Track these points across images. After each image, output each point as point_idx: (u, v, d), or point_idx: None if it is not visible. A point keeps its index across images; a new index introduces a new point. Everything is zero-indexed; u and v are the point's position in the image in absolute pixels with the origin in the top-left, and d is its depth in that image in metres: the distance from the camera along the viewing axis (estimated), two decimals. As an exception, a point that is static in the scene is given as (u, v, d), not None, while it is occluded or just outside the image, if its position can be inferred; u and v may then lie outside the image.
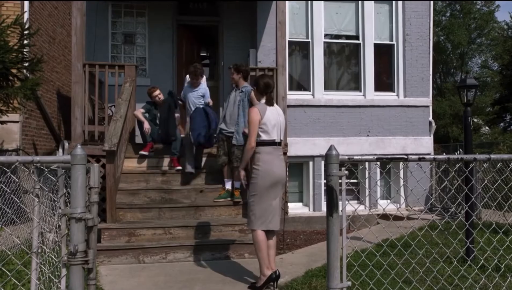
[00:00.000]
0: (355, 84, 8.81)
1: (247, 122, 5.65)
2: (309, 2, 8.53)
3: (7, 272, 3.14)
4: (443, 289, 3.58)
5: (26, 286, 3.18)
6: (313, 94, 8.46)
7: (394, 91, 8.85)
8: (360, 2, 8.69)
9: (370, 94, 8.65)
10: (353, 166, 7.57)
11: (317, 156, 8.21)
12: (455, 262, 3.61)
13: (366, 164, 8.13)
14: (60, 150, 4.84)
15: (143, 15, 8.84)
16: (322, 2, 8.53)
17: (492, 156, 2.38)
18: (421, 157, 2.28)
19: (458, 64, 34.16)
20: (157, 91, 6.63)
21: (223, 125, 5.73)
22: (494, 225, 3.26)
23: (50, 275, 2.66)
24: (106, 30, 8.68)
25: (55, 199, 2.83)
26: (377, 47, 8.78)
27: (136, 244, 4.99)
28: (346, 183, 2.23)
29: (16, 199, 5.19)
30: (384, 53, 8.92)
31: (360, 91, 8.70)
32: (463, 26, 31.83)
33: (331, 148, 2.19)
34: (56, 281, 2.57)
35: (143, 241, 5.07)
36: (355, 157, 2.22)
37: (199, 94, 6.24)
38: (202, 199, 5.82)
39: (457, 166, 6.35)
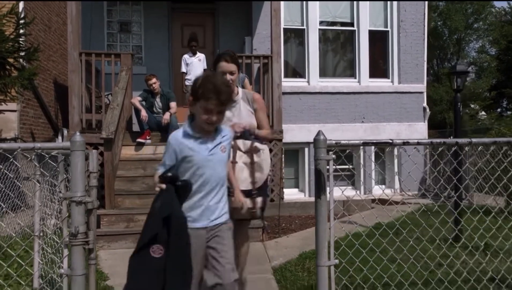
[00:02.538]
0: (350, 71, 8.88)
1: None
2: (304, -11, 8.55)
3: (12, 253, 3.26)
4: (426, 266, 3.72)
5: (30, 269, 3.30)
6: (308, 81, 8.54)
7: (388, 78, 8.94)
8: (355, -11, 8.72)
9: (365, 81, 8.73)
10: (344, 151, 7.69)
11: (312, 142, 8.31)
12: (438, 241, 3.75)
13: (361, 149, 8.25)
14: (60, 137, 4.93)
15: (139, 3, 8.85)
16: (317, -11, 8.56)
17: (474, 140, 2.49)
18: (405, 141, 2.38)
19: (455, 50, 34.12)
20: (153, 80, 6.70)
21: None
22: (480, 209, 3.39)
23: (53, 256, 2.77)
24: (101, 18, 8.70)
25: (55, 185, 2.94)
26: (372, 34, 8.84)
27: (134, 229, 5.11)
28: (340, 168, 2.34)
29: (18, 184, 5.30)
30: (378, 40, 8.98)
31: (355, 78, 8.78)
32: (460, 11, 31.75)
33: (319, 133, 2.30)
34: (59, 260, 2.69)
35: (141, 227, 5.18)
36: (342, 142, 2.33)
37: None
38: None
39: (453, 149, 6.46)
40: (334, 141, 2.30)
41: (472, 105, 30.68)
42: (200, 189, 2.25)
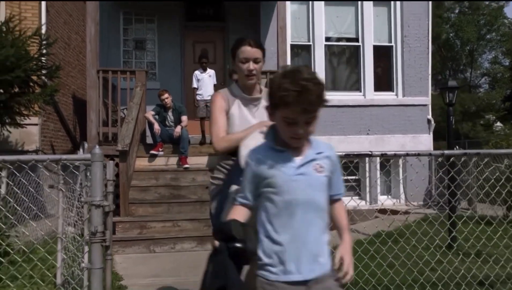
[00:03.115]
0: (355, 84, 9.18)
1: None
2: (310, 7, 8.92)
3: (33, 258, 3.62)
4: (421, 272, 3.97)
5: (52, 271, 3.66)
6: (314, 95, 8.85)
7: (393, 91, 9.21)
8: (359, 6, 9.06)
9: (369, 94, 9.02)
10: (352, 162, 7.93)
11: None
12: (432, 248, 4.00)
13: (367, 159, 8.50)
14: (81, 150, 5.36)
15: (153, 21, 9.33)
16: (323, 6, 8.92)
17: (468, 151, 2.78)
18: (383, 153, 2.69)
19: (468, 61, 34.15)
20: (166, 95, 7.10)
21: (226, 126, 6.15)
22: (476, 217, 3.65)
23: (75, 251, 3.12)
24: (118, 36, 9.19)
25: (75, 191, 3.30)
26: (376, 48, 9.14)
27: (147, 236, 5.47)
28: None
29: (38, 196, 5.71)
30: (383, 54, 9.28)
31: (360, 91, 9.08)
32: (472, 22, 31.82)
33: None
34: (80, 256, 3.03)
35: (154, 233, 5.54)
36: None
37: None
38: (208, 195, 6.25)
39: (462, 160, 6.69)
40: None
41: (487, 116, 30.60)
42: (286, 225, 1.63)
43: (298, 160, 1.66)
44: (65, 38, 10.35)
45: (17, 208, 2.89)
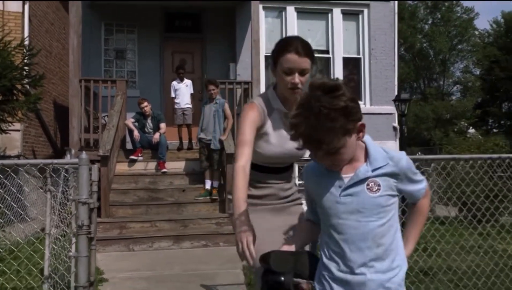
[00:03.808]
0: (326, 94, 9.73)
1: (222, 130, 6.57)
2: (283, 20, 9.46)
3: (19, 255, 3.99)
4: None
5: (38, 266, 4.04)
6: (287, 104, 9.37)
7: (361, 100, 9.79)
8: (330, 20, 9.64)
9: (339, 103, 9.57)
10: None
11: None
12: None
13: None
14: (68, 155, 5.74)
15: (133, 32, 9.71)
16: (296, 20, 9.47)
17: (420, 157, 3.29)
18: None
19: (441, 70, 35.44)
20: (145, 103, 7.51)
21: (202, 135, 6.61)
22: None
23: (64, 242, 3.51)
24: (99, 46, 9.54)
25: (57, 193, 3.69)
26: (346, 60, 9.73)
27: (126, 235, 5.85)
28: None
29: (22, 198, 6.02)
30: (352, 65, 9.87)
31: (330, 100, 9.62)
32: (444, 33, 33.11)
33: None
34: (68, 247, 3.43)
35: (133, 233, 5.92)
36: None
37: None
38: (185, 197, 6.69)
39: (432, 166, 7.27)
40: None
41: (462, 123, 31.79)
42: (335, 251, 1.47)
43: (347, 178, 1.46)
44: (46, 46, 10.62)
45: (6, 211, 3.27)
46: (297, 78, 1.90)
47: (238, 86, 8.01)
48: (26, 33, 8.85)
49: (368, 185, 1.45)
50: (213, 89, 6.53)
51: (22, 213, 4.02)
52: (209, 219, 6.23)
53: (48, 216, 3.52)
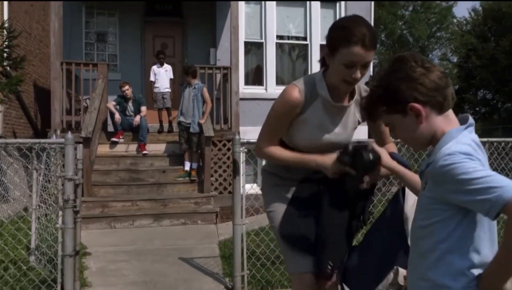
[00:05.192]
0: (303, 80, 10.05)
1: (201, 114, 6.84)
2: (263, 7, 9.67)
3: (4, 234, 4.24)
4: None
5: (26, 239, 4.29)
6: (266, 89, 9.66)
7: (337, 86, 10.14)
8: (308, 8, 9.89)
9: (316, 88, 9.90)
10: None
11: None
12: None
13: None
14: (54, 136, 5.94)
15: (114, 15, 9.79)
16: (275, 7, 9.69)
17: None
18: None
19: (420, 57, 36.01)
20: (126, 86, 7.69)
21: (182, 118, 6.87)
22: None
23: (49, 215, 3.78)
24: (80, 29, 9.60)
25: (48, 170, 3.93)
26: (323, 47, 10.02)
27: (108, 214, 6.11)
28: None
29: (4, 179, 6.22)
30: (329, 52, 10.17)
31: (308, 86, 9.95)
32: (424, 20, 33.62)
33: (235, 134, 3.38)
34: (54, 218, 3.69)
35: (114, 211, 6.19)
36: (251, 140, 3.42)
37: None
38: (165, 178, 6.96)
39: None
40: (245, 140, 3.39)
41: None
42: None
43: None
44: (26, 28, 10.60)
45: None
46: (358, 72, 1.74)
47: (217, 71, 8.24)
48: (5, 15, 8.86)
49: (422, 178, 1.36)
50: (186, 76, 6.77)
51: (5, 194, 4.25)
52: (188, 198, 6.53)
53: (35, 192, 3.77)
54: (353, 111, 1.94)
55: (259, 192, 2.28)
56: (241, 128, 8.43)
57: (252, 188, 3.85)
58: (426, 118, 1.31)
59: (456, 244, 1.23)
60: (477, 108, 33.41)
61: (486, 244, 1.22)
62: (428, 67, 1.32)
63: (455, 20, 35.42)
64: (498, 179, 1.11)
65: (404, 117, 1.33)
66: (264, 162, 2.14)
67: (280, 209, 1.98)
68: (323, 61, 1.92)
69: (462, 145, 1.23)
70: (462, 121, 1.33)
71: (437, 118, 1.31)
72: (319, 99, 1.86)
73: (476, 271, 1.22)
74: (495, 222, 1.22)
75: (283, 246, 1.95)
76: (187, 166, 6.95)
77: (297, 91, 1.84)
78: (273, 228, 2.03)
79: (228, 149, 7.59)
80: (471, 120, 1.32)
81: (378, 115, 1.39)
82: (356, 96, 1.93)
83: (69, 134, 3.10)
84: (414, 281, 1.33)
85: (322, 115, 1.86)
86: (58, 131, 6.57)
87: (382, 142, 2.02)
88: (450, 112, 1.34)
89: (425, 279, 1.28)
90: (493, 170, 1.24)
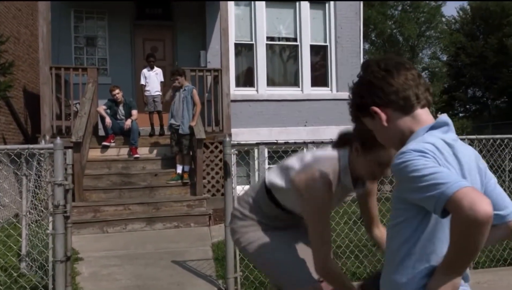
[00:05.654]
0: (294, 80, 10.08)
1: (191, 115, 6.84)
2: (252, 8, 9.68)
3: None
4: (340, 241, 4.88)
5: (16, 245, 4.25)
6: (257, 90, 9.67)
7: (328, 87, 10.18)
8: (297, 8, 9.92)
9: (307, 89, 9.94)
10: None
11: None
12: (350, 223, 4.93)
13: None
14: (43, 141, 5.90)
15: (103, 19, 9.75)
16: (264, 8, 9.71)
17: None
18: (286, 141, 3.51)
19: (410, 56, 36.29)
20: (117, 90, 7.66)
21: (172, 120, 6.85)
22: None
23: (40, 221, 3.75)
24: (69, 33, 9.55)
25: (38, 176, 3.91)
26: (313, 48, 10.06)
27: (100, 218, 6.08)
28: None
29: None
30: (319, 53, 10.22)
31: (299, 86, 9.98)
32: (413, 19, 33.86)
33: (225, 136, 3.39)
34: (45, 224, 3.67)
35: (107, 216, 6.16)
36: (241, 142, 3.43)
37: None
38: (157, 181, 6.94)
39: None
40: (236, 142, 3.40)
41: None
42: None
43: None
44: (14, 33, 10.52)
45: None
46: (388, 171, 1.71)
47: (208, 73, 8.24)
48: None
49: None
50: (177, 79, 6.75)
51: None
52: (181, 201, 6.52)
53: (25, 198, 3.74)
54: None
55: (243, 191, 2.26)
56: (233, 130, 8.44)
57: (243, 190, 3.83)
58: (391, 120, 1.32)
59: (416, 245, 1.23)
60: (467, 106, 33.70)
61: (446, 245, 1.16)
62: (390, 70, 1.32)
63: (444, 19, 35.72)
64: (444, 175, 1.10)
65: (373, 120, 1.36)
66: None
67: (263, 238, 2.00)
68: (343, 139, 1.84)
69: (422, 143, 1.21)
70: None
71: (403, 119, 1.31)
72: (339, 186, 1.82)
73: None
74: None
75: (281, 268, 1.94)
76: (179, 169, 6.94)
77: (331, 188, 1.74)
78: (259, 256, 2.02)
79: (220, 151, 7.58)
80: (440, 119, 1.31)
81: (358, 121, 1.42)
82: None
83: (58, 140, 3.08)
84: (384, 281, 1.33)
85: (335, 196, 1.84)
86: (48, 137, 6.52)
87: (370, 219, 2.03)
88: (421, 112, 1.32)
89: (389, 280, 1.29)
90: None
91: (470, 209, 1.00)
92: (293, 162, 1.87)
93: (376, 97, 1.32)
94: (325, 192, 1.70)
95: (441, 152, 1.21)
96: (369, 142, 1.65)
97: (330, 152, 1.83)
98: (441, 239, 1.21)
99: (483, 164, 1.40)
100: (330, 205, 1.75)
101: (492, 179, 1.40)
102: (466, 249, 1.08)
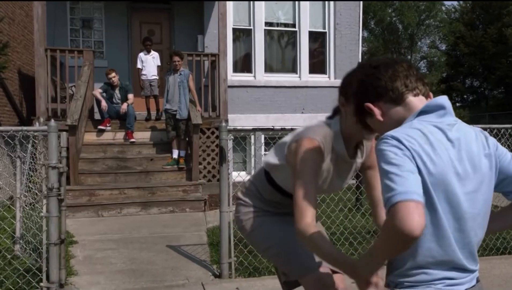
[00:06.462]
0: (292, 67, 10.01)
1: (187, 100, 6.79)
2: (251, -7, 9.56)
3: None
4: (333, 227, 4.89)
5: (10, 227, 4.23)
6: (254, 76, 9.61)
7: (326, 74, 10.13)
8: (297, -6, 9.80)
9: (305, 76, 9.89)
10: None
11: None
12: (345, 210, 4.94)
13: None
14: (37, 123, 5.85)
15: (100, 1, 9.60)
16: (263, -7, 9.59)
17: None
18: (283, 127, 3.48)
19: (409, 44, 36.13)
20: (113, 74, 7.58)
21: (168, 106, 6.80)
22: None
23: (34, 204, 3.73)
24: (65, 15, 9.41)
25: (32, 158, 3.88)
26: (311, 34, 9.98)
27: (95, 202, 6.07)
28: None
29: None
30: (317, 39, 10.14)
31: (296, 73, 9.92)
32: (413, 7, 33.61)
33: (221, 121, 3.36)
34: (39, 207, 3.65)
35: (102, 200, 6.15)
36: (238, 128, 3.40)
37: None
38: (153, 166, 6.92)
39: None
40: (232, 127, 3.37)
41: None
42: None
43: None
44: (9, 13, 10.36)
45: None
46: None
47: (205, 58, 8.16)
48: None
49: None
50: (178, 61, 6.69)
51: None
52: (176, 186, 6.51)
53: (19, 180, 3.71)
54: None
55: (247, 179, 2.22)
56: (230, 116, 8.41)
57: (239, 176, 3.83)
58: (385, 113, 1.36)
59: None
60: (465, 96, 33.68)
61: (429, 238, 1.24)
62: (378, 66, 1.36)
63: (443, 8, 35.49)
64: (398, 181, 1.15)
65: (372, 118, 1.39)
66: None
67: (267, 224, 2.00)
68: (335, 110, 1.80)
69: (406, 129, 1.26)
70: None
71: (395, 109, 1.34)
72: (333, 153, 1.79)
73: (416, 268, 1.27)
74: (441, 215, 1.23)
75: (288, 254, 1.92)
76: (175, 154, 6.92)
77: (320, 149, 1.69)
78: (263, 241, 2.00)
79: (217, 137, 7.56)
80: (432, 102, 1.31)
81: (362, 120, 1.46)
82: (364, 154, 1.91)
83: (52, 122, 3.05)
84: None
85: (330, 166, 1.81)
86: (42, 119, 6.47)
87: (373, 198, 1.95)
88: (413, 99, 1.33)
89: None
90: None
91: (400, 223, 1.10)
92: (287, 137, 1.86)
93: (368, 93, 1.37)
94: (314, 153, 1.65)
95: (427, 140, 1.24)
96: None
97: (321, 122, 1.82)
98: (423, 233, 1.21)
99: (492, 141, 1.37)
100: (320, 167, 1.69)
101: (508, 154, 1.39)
102: (388, 248, 1.20)
